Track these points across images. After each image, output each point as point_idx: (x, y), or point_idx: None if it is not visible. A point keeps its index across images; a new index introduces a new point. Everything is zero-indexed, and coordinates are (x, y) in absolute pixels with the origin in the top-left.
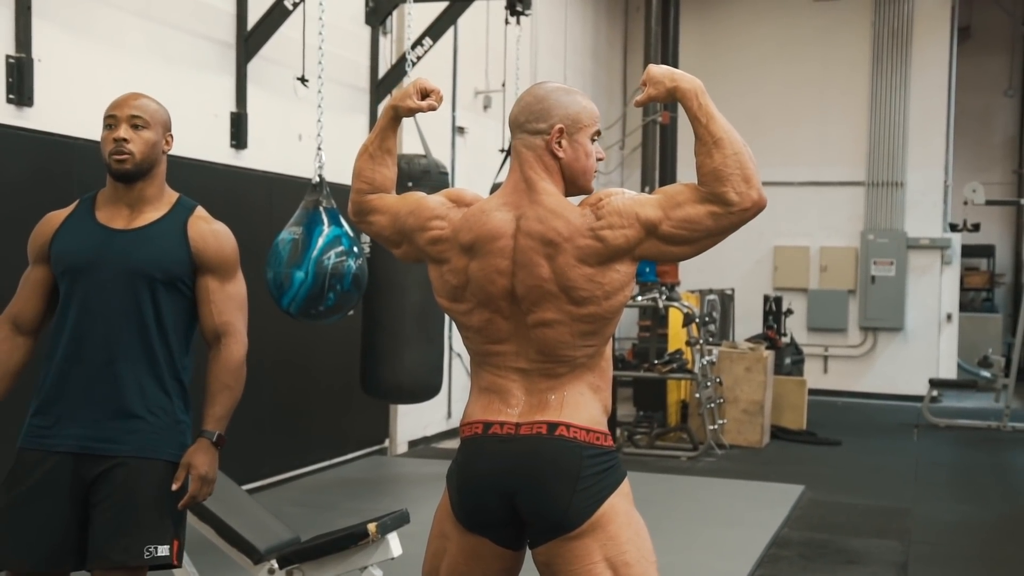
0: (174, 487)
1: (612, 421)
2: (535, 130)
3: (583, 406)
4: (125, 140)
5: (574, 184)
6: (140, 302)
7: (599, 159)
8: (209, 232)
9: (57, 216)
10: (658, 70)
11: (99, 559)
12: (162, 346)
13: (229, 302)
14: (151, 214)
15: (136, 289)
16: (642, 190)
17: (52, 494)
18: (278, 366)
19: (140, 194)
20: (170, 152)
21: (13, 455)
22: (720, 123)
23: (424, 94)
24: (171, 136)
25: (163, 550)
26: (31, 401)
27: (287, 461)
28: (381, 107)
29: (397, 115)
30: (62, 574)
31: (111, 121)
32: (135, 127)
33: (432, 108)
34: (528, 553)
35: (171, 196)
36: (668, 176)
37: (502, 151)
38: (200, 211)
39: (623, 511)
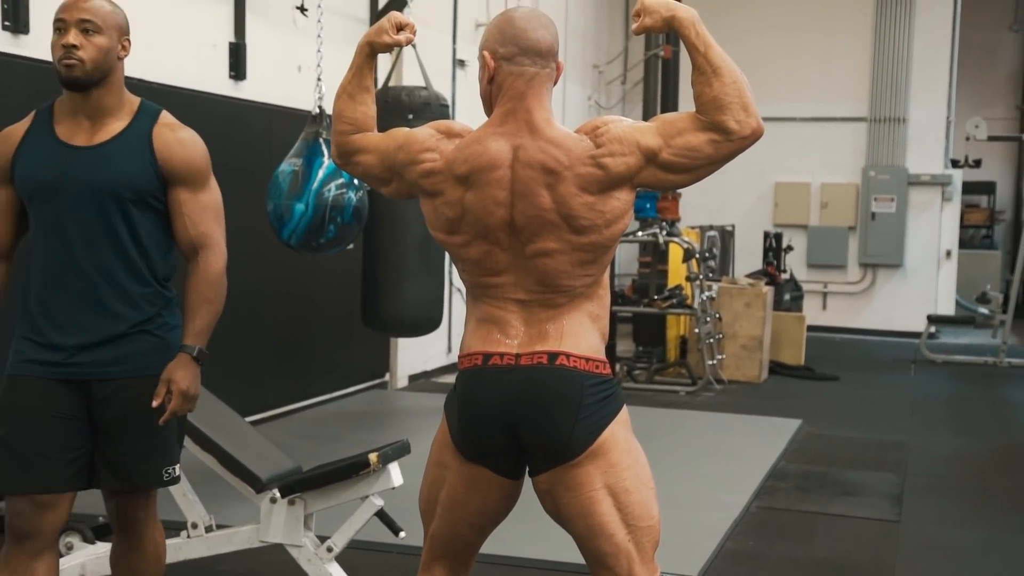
0: (154, 403)
1: (611, 356)
2: (538, 62)
3: (582, 335)
4: (75, 47)
5: None
6: (113, 223)
7: None
8: (175, 141)
9: (15, 132)
10: (653, 0)
11: (122, 482)
12: (144, 263)
13: (204, 213)
14: (113, 125)
15: (107, 210)
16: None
17: (55, 419)
18: (279, 299)
19: (98, 104)
20: (166, 82)
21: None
22: (718, 51)
23: (399, 28)
24: (128, 41)
25: (176, 470)
26: (17, 327)
27: (288, 394)
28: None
29: (373, 51)
30: (70, 496)
31: (60, 25)
32: (85, 32)
33: (409, 41)
34: (527, 482)
35: (132, 103)
36: (670, 111)
37: None
38: (165, 117)
39: (623, 439)
